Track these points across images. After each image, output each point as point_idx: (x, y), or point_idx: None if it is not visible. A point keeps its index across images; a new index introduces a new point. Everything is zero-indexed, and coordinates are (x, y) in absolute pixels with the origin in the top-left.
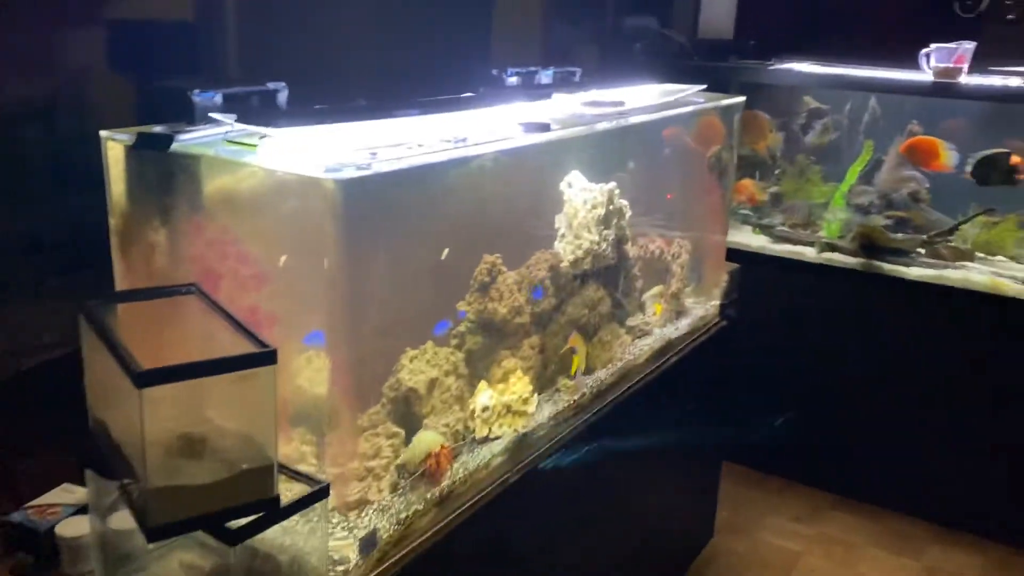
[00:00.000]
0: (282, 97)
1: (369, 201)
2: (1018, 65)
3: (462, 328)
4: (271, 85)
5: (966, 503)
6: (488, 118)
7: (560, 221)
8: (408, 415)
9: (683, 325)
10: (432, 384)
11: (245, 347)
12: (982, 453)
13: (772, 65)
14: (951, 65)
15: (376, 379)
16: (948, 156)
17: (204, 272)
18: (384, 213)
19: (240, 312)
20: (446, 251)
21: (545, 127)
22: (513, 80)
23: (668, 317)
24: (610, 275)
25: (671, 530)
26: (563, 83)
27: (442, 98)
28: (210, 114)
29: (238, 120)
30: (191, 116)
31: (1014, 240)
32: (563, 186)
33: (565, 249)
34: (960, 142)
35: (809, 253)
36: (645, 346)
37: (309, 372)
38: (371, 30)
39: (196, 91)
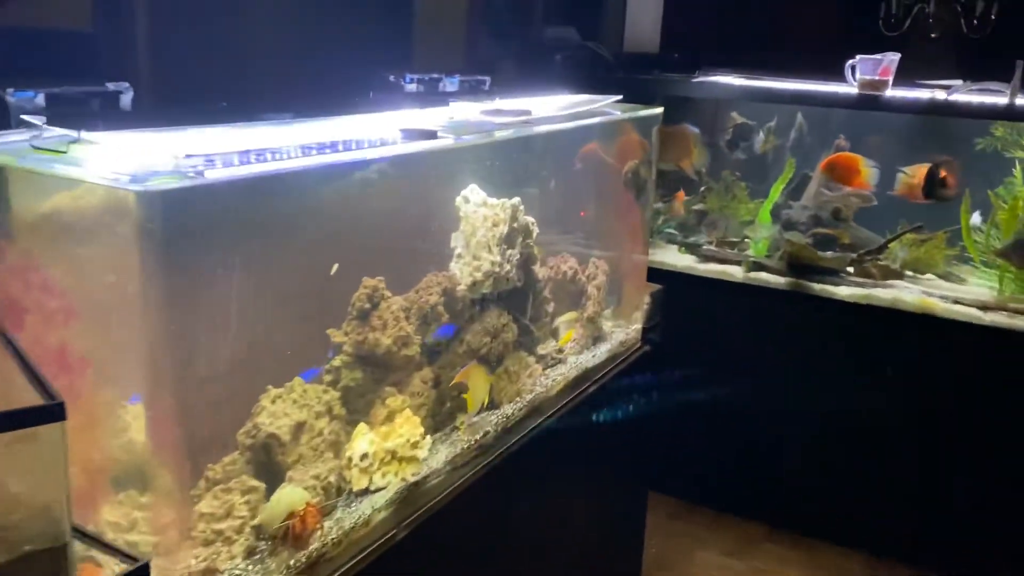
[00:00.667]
0: (126, 99)
1: (192, 216)
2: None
3: (337, 362)
4: (111, 85)
5: (901, 533)
6: (371, 124)
7: (456, 240)
8: (270, 465)
9: (601, 352)
10: (299, 429)
11: (30, 398)
12: (917, 480)
13: (696, 77)
14: (876, 77)
15: (229, 425)
16: (868, 173)
17: (6, 305)
18: (217, 230)
19: (47, 353)
20: (335, 267)
21: (430, 134)
22: (412, 87)
23: (584, 343)
24: (516, 299)
25: (595, 570)
26: (470, 92)
27: (321, 103)
28: (22, 116)
29: (62, 125)
30: (7, 119)
31: (943, 258)
32: (459, 201)
33: (462, 271)
34: (884, 157)
35: (737, 272)
36: (559, 376)
37: (133, 422)
38: (256, 26)
39: (11, 90)
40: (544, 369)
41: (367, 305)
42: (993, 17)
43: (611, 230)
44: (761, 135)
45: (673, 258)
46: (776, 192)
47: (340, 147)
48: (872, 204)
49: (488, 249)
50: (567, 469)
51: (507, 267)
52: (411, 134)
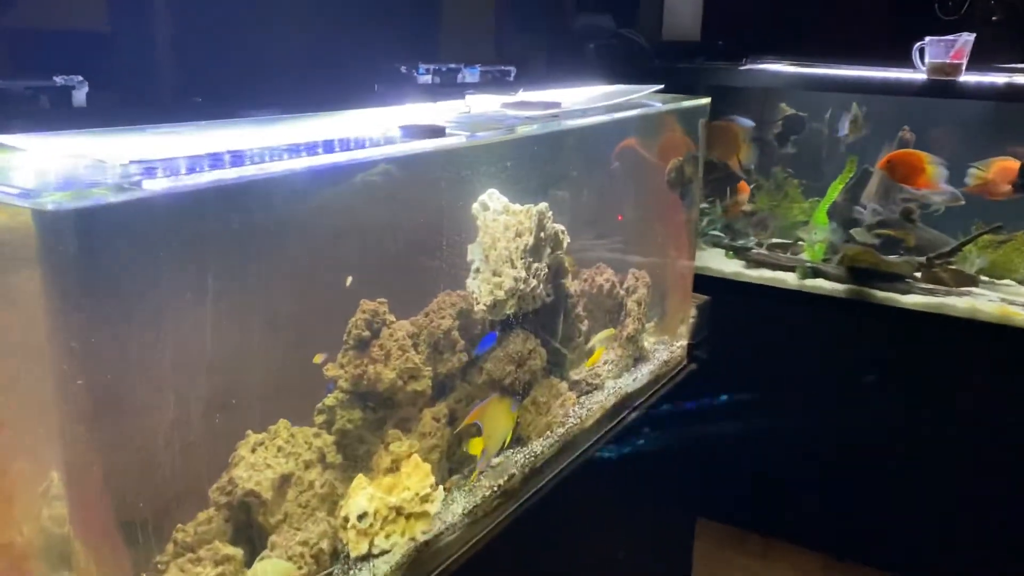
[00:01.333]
0: (79, 94)
1: (118, 238)
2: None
3: (331, 401)
4: (60, 79)
5: (972, 562)
6: (369, 121)
7: (473, 252)
8: (250, 527)
9: (643, 374)
10: (284, 482)
11: None
12: (1002, 513)
13: (743, 66)
14: (948, 60)
15: (198, 480)
16: (935, 171)
17: None
18: (158, 251)
19: None
20: (350, 279)
21: (436, 131)
22: (426, 78)
23: (624, 365)
24: (545, 318)
25: None
26: (493, 83)
27: (316, 97)
28: None
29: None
30: None
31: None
32: (476, 208)
33: (481, 289)
34: (952, 150)
35: (790, 279)
36: (595, 404)
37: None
38: (239, 9)
39: None
40: (578, 397)
41: (366, 333)
42: None
43: (653, 236)
44: (847, 118)
45: (719, 263)
46: (835, 190)
47: (321, 148)
48: (960, 203)
49: (510, 263)
50: (605, 506)
51: (533, 283)
52: (412, 131)
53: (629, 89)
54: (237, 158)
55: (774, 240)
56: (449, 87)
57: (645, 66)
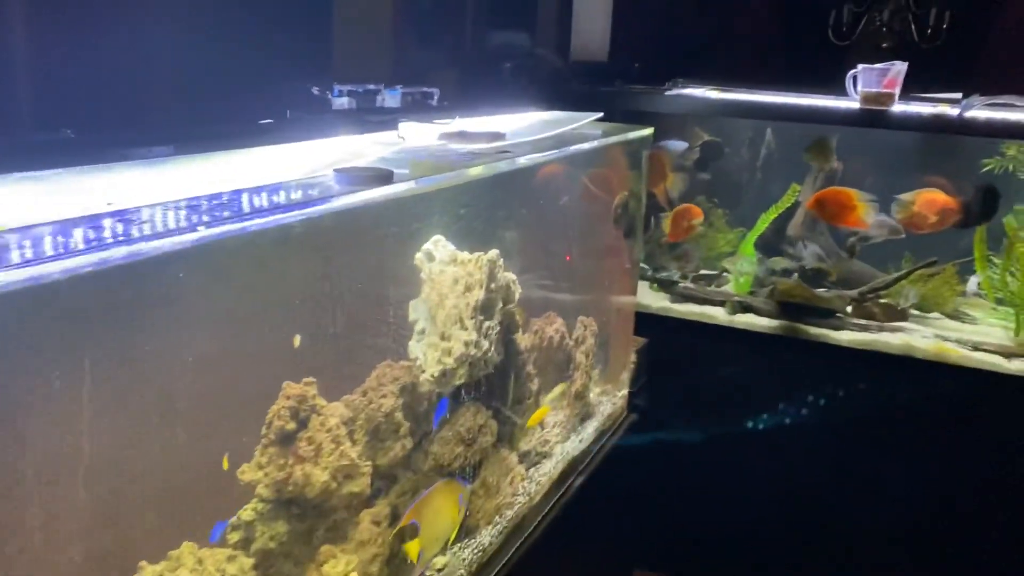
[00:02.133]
0: None
1: None
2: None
3: (248, 514)
4: None
5: None
6: (292, 159)
7: (416, 311)
8: None
9: (589, 432)
10: None
11: None
12: (934, 546)
13: (668, 90)
14: (881, 90)
15: None
16: (865, 209)
17: None
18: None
19: None
20: (297, 339)
21: (384, 177)
22: (342, 101)
23: (571, 425)
24: (495, 381)
25: None
26: (416, 107)
27: (220, 128)
28: None
29: None
30: None
31: (954, 296)
32: (420, 258)
33: (427, 356)
34: (875, 180)
35: (720, 315)
36: (543, 476)
37: None
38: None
39: None
40: (528, 469)
41: (291, 424)
42: (945, 27)
43: (600, 276)
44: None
45: (645, 296)
46: (765, 221)
47: (238, 204)
48: (901, 236)
49: (460, 323)
50: (542, 559)
51: (485, 345)
52: (352, 178)
53: (570, 117)
54: (124, 220)
55: (701, 272)
56: (368, 111)
57: (563, 89)
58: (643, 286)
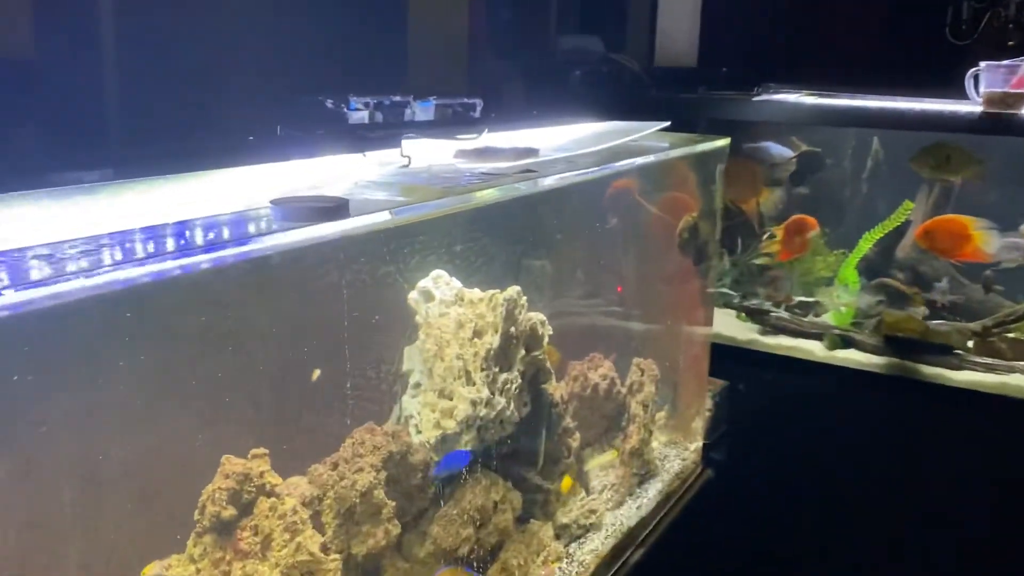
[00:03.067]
0: None
1: None
2: None
3: None
4: None
5: None
6: (245, 187)
7: (411, 359)
8: None
9: (651, 496)
10: None
11: None
12: None
13: (758, 96)
14: (1009, 90)
15: None
16: (984, 239)
17: None
18: None
19: None
20: (317, 372)
21: (330, 210)
22: (361, 115)
23: (627, 489)
24: (521, 439)
25: None
26: (454, 121)
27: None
28: None
29: None
30: None
31: None
32: (414, 299)
33: (422, 416)
34: (1005, 196)
35: (817, 349)
36: (588, 553)
37: None
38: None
39: None
40: (568, 545)
41: (229, 511)
42: None
43: (662, 311)
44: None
45: (730, 327)
46: (869, 241)
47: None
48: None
49: (466, 377)
50: None
51: (500, 403)
52: (292, 211)
53: (628, 128)
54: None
55: (799, 299)
56: (393, 126)
57: (639, 97)
58: (729, 316)
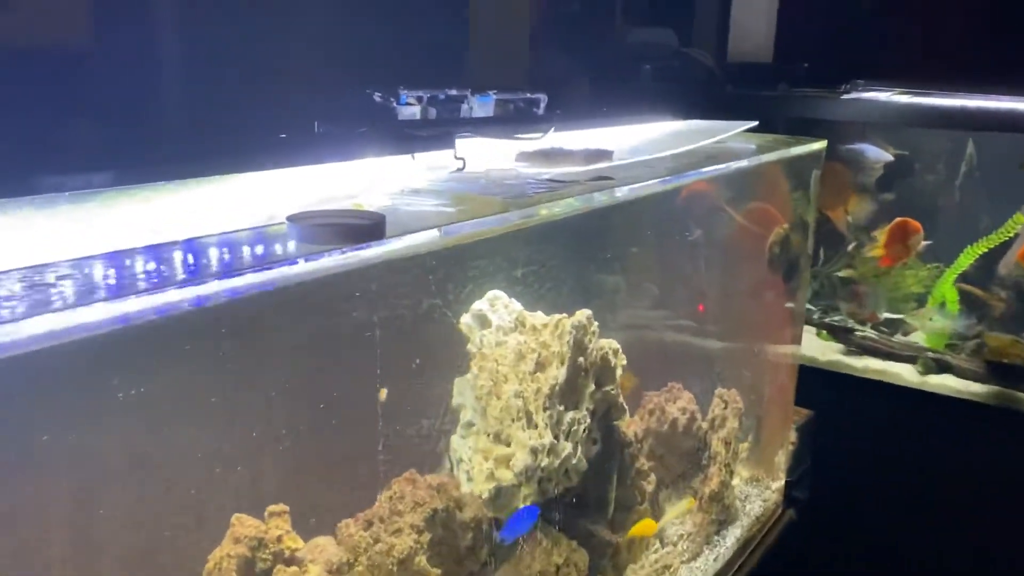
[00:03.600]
0: None
1: None
2: None
3: None
4: None
5: None
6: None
7: (462, 393)
8: None
9: (729, 544)
10: None
11: None
12: None
13: (844, 94)
14: None
15: None
16: None
17: None
18: None
19: None
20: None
21: (358, 230)
22: (412, 110)
23: (704, 536)
24: (587, 485)
25: None
26: (516, 117)
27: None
28: None
29: None
30: None
31: None
32: (467, 323)
33: (473, 463)
34: None
35: (908, 373)
36: None
37: None
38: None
39: None
40: None
41: None
42: None
43: (747, 334)
44: None
45: (811, 346)
46: (971, 256)
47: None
48: None
49: (526, 419)
50: None
51: (566, 449)
52: (305, 230)
53: (709, 128)
54: None
55: (886, 316)
56: (448, 124)
57: (713, 94)
58: (808, 333)
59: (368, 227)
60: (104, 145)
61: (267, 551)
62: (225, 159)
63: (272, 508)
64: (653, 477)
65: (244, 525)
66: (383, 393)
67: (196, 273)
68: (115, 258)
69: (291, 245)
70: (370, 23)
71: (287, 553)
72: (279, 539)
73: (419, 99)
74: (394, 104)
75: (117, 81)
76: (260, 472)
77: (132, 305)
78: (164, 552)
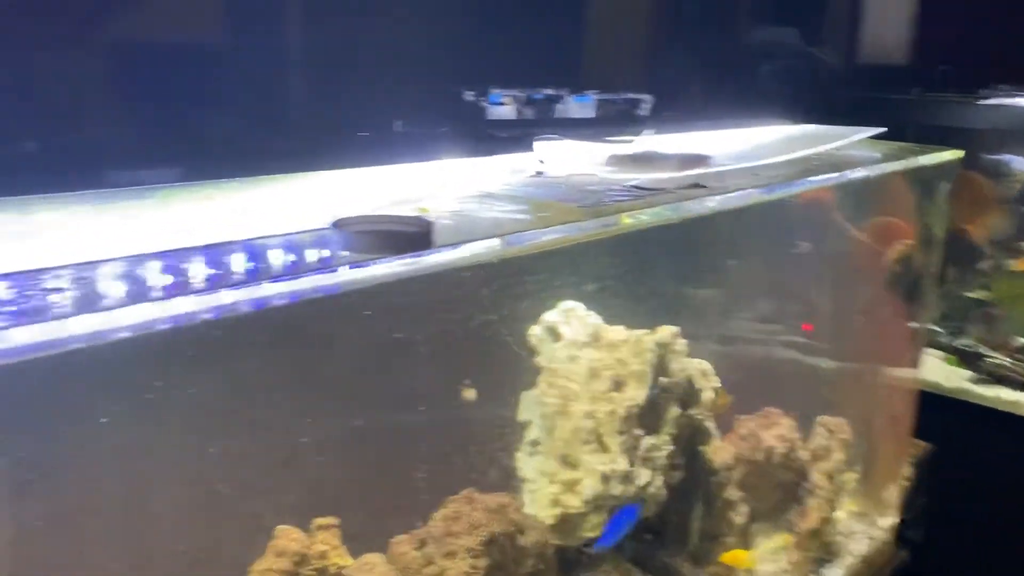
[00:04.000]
0: None
1: None
2: None
3: None
4: None
5: None
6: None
7: (528, 409)
8: None
9: None
10: None
11: None
12: None
13: (986, 99)
14: None
15: None
16: None
17: None
18: None
19: None
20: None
21: (410, 238)
22: (506, 109)
23: (805, 572)
24: (669, 520)
25: None
26: (617, 118)
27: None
28: None
29: None
30: None
31: None
32: (537, 335)
33: (538, 485)
34: None
35: None
36: None
37: None
38: None
39: None
40: None
41: None
42: None
43: (859, 356)
44: None
45: (936, 371)
46: None
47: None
48: None
49: (597, 442)
50: None
51: (644, 477)
52: (351, 238)
53: (826, 134)
54: None
55: (1008, 343)
56: (535, 125)
57: (838, 98)
58: (934, 356)
59: (414, 236)
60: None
61: (311, 567)
62: (303, 157)
63: (320, 521)
64: (745, 508)
65: (287, 537)
66: (469, 393)
67: (254, 275)
68: (162, 258)
69: (340, 252)
70: (470, 17)
71: (332, 570)
72: (324, 555)
73: (513, 98)
74: (485, 103)
75: (201, 80)
76: (309, 482)
77: (148, 311)
78: (205, 562)
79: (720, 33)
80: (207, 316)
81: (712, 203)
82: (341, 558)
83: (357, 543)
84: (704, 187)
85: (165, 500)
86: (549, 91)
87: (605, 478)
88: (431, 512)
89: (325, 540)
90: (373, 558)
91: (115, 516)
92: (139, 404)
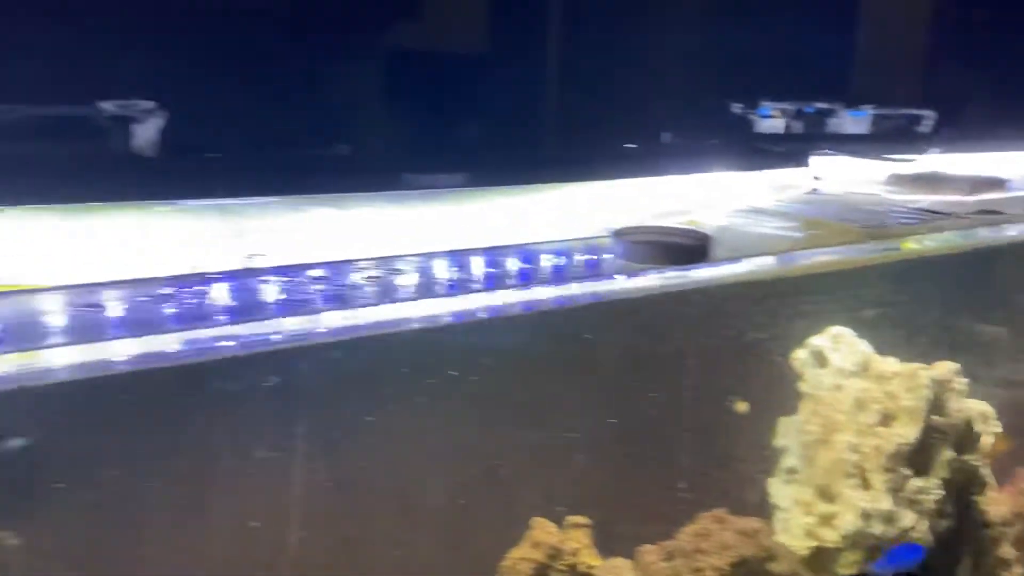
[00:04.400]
0: None
1: None
2: None
3: None
4: None
5: None
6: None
7: (785, 434)
8: None
9: None
10: None
11: None
12: None
13: None
14: None
15: None
16: None
17: None
18: None
19: None
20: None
21: (688, 249)
22: (774, 123)
23: None
24: (929, 568)
25: None
26: (894, 135)
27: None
28: None
29: None
30: None
31: None
32: (801, 359)
33: (791, 516)
34: None
35: None
36: None
37: None
38: None
39: None
40: None
41: None
42: None
43: None
44: None
45: None
46: None
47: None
48: None
49: (860, 478)
50: None
51: (907, 520)
52: (630, 247)
53: None
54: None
55: None
56: (808, 140)
57: None
58: None
59: (692, 248)
60: (464, 150)
61: (562, 562)
62: (572, 167)
63: (573, 519)
64: (1021, 572)
65: (544, 530)
66: (742, 406)
67: (527, 279)
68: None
69: (615, 261)
70: (744, 28)
71: (582, 568)
72: (575, 552)
73: (783, 112)
74: (754, 116)
75: (490, 95)
76: (568, 481)
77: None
78: (467, 543)
79: (1015, 42)
80: (515, 311)
81: (1011, 231)
82: (591, 558)
83: (604, 545)
84: (1000, 213)
85: (446, 477)
86: (823, 105)
87: (866, 515)
88: (679, 526)
89: (577, 538)
90: (620, 563)
91: (413, 483)
92: (446, 385)
